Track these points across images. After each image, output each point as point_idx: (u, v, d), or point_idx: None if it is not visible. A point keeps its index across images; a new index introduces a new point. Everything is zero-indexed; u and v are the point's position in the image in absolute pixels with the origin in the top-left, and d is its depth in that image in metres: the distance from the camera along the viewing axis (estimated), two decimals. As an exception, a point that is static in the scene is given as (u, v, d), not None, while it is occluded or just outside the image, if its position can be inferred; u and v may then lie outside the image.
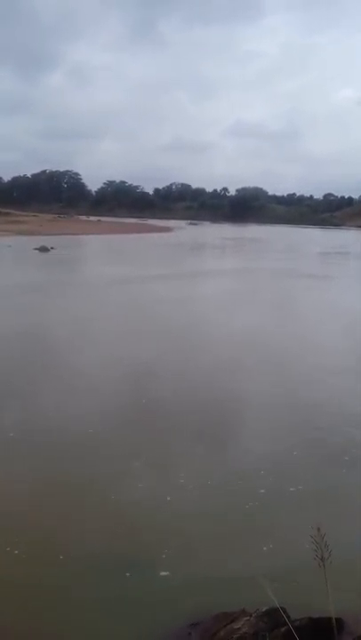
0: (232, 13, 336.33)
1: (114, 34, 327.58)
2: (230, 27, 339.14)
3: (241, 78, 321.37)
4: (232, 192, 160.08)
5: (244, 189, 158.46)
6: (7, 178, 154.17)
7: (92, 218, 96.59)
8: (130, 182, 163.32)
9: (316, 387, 9.17)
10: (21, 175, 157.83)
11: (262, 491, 5.72)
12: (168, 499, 5.54)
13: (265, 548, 4.72)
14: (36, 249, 34.50)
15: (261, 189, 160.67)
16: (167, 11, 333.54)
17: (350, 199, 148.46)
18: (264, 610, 3.62)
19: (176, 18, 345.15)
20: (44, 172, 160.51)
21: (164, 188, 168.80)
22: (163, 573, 4.37)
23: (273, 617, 3.56)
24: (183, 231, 75.69)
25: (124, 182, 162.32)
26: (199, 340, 12.56)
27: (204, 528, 5.06)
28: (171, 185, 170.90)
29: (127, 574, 4.35)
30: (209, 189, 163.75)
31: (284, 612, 3.34)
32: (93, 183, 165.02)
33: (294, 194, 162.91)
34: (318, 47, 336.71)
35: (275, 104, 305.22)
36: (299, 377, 9.75)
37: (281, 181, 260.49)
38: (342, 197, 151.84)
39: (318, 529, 2.92)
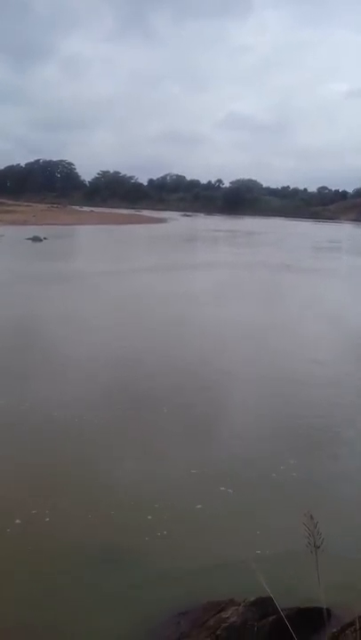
0: (222, 8, 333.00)
1: (106, 27, 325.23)
2: (220, 21, 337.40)
3: (232, 72, 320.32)
4: (226, 184, 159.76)
5: (238, 181, 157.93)
6: (0, 167, 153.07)
7: (85, 208, 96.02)
8: (124, 173, 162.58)
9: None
10: (15, 165, 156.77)
11: (250, 476, 5.76)
12: (156, 485, 5.56)
13: (254, 536, 4.74)
14: (28, 239, 34.33)
15: (255, 181, 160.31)
16: (157, 5, 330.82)
17: (344, 193, 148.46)
18: (252, 599, 3.64)
19: (166, 12, 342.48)
20: (37, 161, 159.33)
21: (158, 179, 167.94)
22: (151, 561, 4.37)
23: (261, 606, 3.57)
24: (177, 223, 75.45)
25: (117, 173, 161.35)
26: (179, 327, 12.81)
27: (192, 515, 5.08)
28: (165, 176, 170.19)
29: (114, 563, 4.35)
30: (203, 181, 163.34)
31: (273, 601, 3.34)
32: (87, 173, 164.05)
33: (288, 186, 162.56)
34: (308, 42, 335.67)
35: (266, 97, 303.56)
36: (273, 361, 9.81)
37: (274, 174, 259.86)
38: (336, 191, 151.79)
39: (311, 516, 2.90)
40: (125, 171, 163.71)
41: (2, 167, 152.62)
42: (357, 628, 3.07)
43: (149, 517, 5.02)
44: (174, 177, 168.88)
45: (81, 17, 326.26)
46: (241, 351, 11.02)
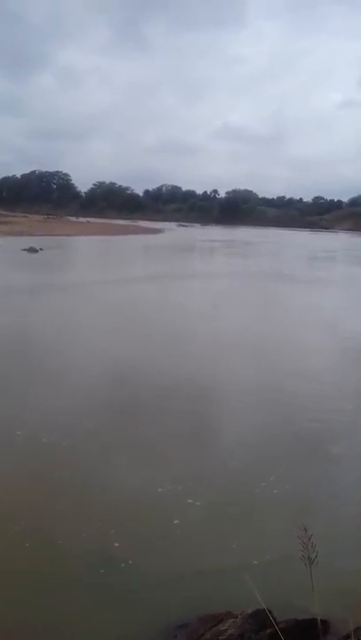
0: (216, 19, 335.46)
1: (101, 38, 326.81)
2: (215, 32, 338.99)
3: (228, 82, 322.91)
4: (222, 194, 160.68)
5: (234, 192, 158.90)
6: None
7: (81, 219, 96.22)
8: (120, 183, 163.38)
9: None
10: (11, 176, 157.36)
11: (248, 487, 5.76)
12: (156, 491, 5.56)
13: (251, 547, 4.75)
14: (24, 250, 34.41)
15: (251, 192, 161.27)
16: (152, 17, 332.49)
17: (340, 202, 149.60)
18: (250, 611, 3.64)
19: (161, 23, 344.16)
20: (33, 172, 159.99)
21: (154, 190, 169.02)
22: (148, 572, 4.37)
23: (258, 618, 3.58)
24: (173, 233, 75.72)
25: (113, 183, 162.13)
26: (173, 335, 12.94)
27: (190, 525, 5.08)
28: (161, 186, 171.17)
29: (112, 573, 4.34)
30: (199, 191, 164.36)
31: (270, 613, 3.36)
32: (83, 184, 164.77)
33: (284, 196, 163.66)
34: (302, 52, 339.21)
35: (261, 107, 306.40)
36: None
37: (270, 184, 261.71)
38: (331, 200, 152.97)
39: (305, 529, 2.93)
40: (121, 181, 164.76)
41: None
42: None
43: (147, 525, 5.03)
44: (170, 187, 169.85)
45: (76, 28, 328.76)
46: (235, 361, 11.00)
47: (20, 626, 3.80)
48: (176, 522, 5.11)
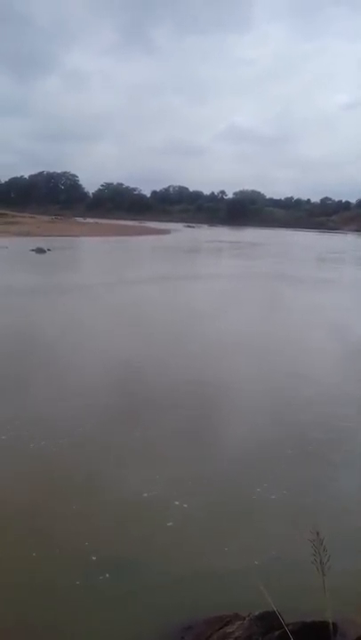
0: (221, 22, 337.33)
1: (107, 40, 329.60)
2: (220, 35, 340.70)
3: (233, 84, 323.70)
4: (229, 195, 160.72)
5: (241, 192, 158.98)
6: (4, 179, 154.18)
7: (89, 220, 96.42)
8: (127, 184, 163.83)
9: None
10: (19, 176, 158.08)
11: (254, 487, 5.69)
12: (157, 492, 5.49)
13: (259, 548, 4.67)
14: (32, 250, 34.46)
15: (259, 192, 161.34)
16: (156, 19, 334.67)
17: (347, 203, 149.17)
18: (257, 613, 3.57)
19: (167, 26, 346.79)
20: (41, 173, 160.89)
21: (161, 191, 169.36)
22: (154, 573, 4.31)
23: (267, 621, 3.50)
24: (179, 234, 75.75)
25: (121, 184, 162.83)
26: (180, 337, 12.85)
27: (197, 525, 5.01)
28: (168, 187, 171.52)
29: (116, 574, 4.28)
30: (206, 192, 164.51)
31: (279, 615, 3.28)
32: (91, 185, 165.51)
33: (292, 197, 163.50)
34: (307, 54, 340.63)
35: (267, 109, 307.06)
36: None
37: (277, 185, 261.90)
38: (339, 201, 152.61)
39: (317, 533, 2.87)
40: (128, 182, 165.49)
41: (6, 179, 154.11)
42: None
43: (152, 526, 4.97)
44: (177, 188, 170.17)
45: (82, 30, 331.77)
46: (238, 362, 10.89)
47: (20, 626, 3.76)
48: (170, 524, 5.03)
